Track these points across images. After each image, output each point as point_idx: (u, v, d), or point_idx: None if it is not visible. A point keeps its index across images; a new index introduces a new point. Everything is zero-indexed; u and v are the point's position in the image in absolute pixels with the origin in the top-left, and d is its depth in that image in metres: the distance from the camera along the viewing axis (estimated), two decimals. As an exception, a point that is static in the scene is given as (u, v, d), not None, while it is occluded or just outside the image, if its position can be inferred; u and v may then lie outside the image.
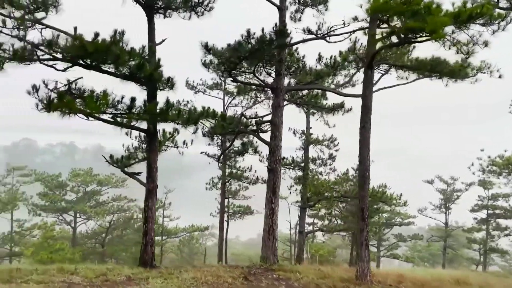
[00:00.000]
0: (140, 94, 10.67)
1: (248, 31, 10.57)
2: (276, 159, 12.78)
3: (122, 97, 9.01)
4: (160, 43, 10.99)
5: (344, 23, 12.01)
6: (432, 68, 10.41)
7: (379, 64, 13.01)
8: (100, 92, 9.01)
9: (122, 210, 41.52)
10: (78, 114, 8.60)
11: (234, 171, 25.04)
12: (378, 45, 10.03)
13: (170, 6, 10.79)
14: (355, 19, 10.42)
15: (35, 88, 7.94)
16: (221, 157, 18.44)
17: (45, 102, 7.83)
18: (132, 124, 10.11)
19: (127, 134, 12.36)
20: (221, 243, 26.00)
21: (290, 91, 15.59)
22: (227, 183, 26.23)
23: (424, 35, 7.43)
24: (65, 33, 9.20)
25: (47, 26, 9.38)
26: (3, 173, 39.63)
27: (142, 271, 9.48)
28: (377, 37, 10.16)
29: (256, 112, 17.65)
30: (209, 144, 27.69)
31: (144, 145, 12.59)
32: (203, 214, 40.45)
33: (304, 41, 12.89)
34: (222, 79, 26.39)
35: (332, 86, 17.51)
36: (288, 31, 10.92)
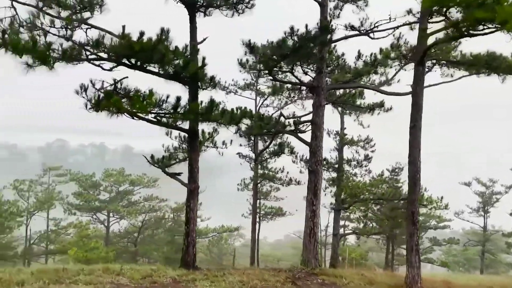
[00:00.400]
0: (178, 93, 10.56)
1: (292, 28, 10.28)
2: (317, 160, 12.41)
3: (167, 97, 8.90)
4: (202, 42, 10.85)
5: (390, 18, 11.53)
6: (488, 64, 9.78)
7: (427, 60, 12.40)
8: (144, 92, 8.94)
9: (153, 210, 42.03)
10: (124, 114, 8.52)
11: (267, 172, 24.76)
12: (430, 40, 9.51)
13: (212, 4, 10.63)
14: (409, 11, 9.93)
15: (84, 88, 7.92)
16: (258, 157, 18.14)
17: (94, 101, 7.78)
18: (175, 124, 9.98)
19: (167, 134, 12.30)
20: (253, 245, 25.76)
21: (332, 90, 15.16)
22: (259, 184, 26.00)
23: (492, 26, 6.92)
24: (110, 32, 9.18)
25: (92, 26, 9.38)
26: (40, 172, 40.76)
27: (186, 272, 9.33)
28: (429, 31, 9.64)
29: (294, 112, 17.28)
30: (240, 145, 27.66)
31: (184, 146, 12.51)
32: (232, 215, 40.36)
33: (346, 37, 12.49)
34: (254, 80, 26.25)
35: (368, 84, 17.01)
36: (333, 27, 10.54)
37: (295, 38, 10.34)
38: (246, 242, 66.46)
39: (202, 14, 11.31)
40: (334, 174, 25.54)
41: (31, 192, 35.75)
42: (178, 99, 8.91)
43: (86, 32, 9.23)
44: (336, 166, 24.61)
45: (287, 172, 25.79)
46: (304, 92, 18.77)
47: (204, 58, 9.37)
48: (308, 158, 20.68)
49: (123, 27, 7.97)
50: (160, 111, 9.28)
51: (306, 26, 10.37)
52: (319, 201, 12.36)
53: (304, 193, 38.56)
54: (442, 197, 22.75)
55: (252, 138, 25.59)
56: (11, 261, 31.94)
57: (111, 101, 7.49)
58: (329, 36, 10.66)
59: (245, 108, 11.40)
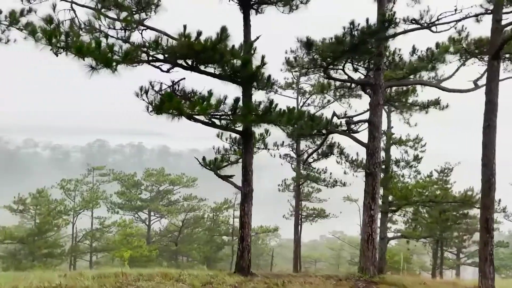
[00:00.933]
0: (229, 94, 10.25)
1: (352, 22, 9.71)
2: (375, 162, 11.78)
3: (225, 98, 8.59)
4: (255, 40, 10.48)
5: (455, 10, 10.71)
6: None
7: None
8: (200, 93, 8.70)
9: (192, 209, 42.39)
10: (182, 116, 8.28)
11: (311, 173, 24.18)
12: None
13: (267, 1, 10.25)
14: (490, 0, 9.12)
15: (144, 90, 7.75)
16: (307, 159, 17.60)
17: (155, 104, 7.59)
18: (231, 125, 9.69)
19: (218, 136, 12.06)
20: (296, 247, 25.26)
21: (389, 87, 14.43)
22: (301, 185, 25.46)
23: None
24: (165, 33, 8.99)
25: (148, 27, 9.22)
26: (85, 172, 41.92)
27: (244, 279, 9.01)
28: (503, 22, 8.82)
29: (346, 111, 16.68)
30: (282, 145, 27.21)
31: (235, 147, 12.23)
32: (271, 215, 39.89)
33: (405, 32, 11.74)
34: (296, 78, 25.71)
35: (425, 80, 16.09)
36: (397, 20, 9.89)
37: (356, 33, 9.76)
38: (281, 242, 65.92)
39: (254, 12, 10.97)
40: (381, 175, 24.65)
41: (77, 192, 36.83)
42: (237, 100, 8.59)
43: (141, 33, 9.08)
44: (383, 167, 23.69)
45: (330, 173, 25.13)
46: (354, 90, 18.07)
47: (263, 57, 9.00)
48: (354, 159, 20.11)
49: (185, 26, 7.72)
50: (217, 113, 9.00)
51: (367, 20, 9.78)
52: (377, 205, 11.73)
53: (344, 194, 37.41)
54: (500, 200, 21.39)
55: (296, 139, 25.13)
56: (59, 258, 33.09)
57: (172, 103, 7.24)
58: (392, 30, 10.01)
59: (293, 107, 10.96)
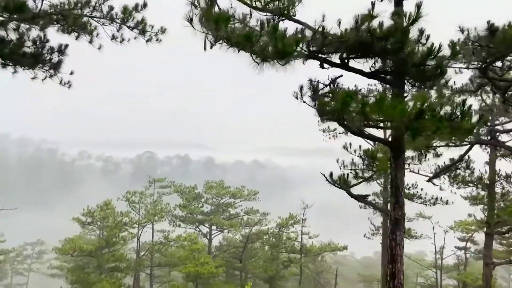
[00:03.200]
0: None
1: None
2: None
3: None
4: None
5: None
6: None
7: None
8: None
9: (254, 224, 40.84)
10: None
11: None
12: None
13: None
14: None
15: (312, 88, 6.14)
16: (438, 175, 15.31)
17: (327, 108, 5.95)
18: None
19: (345, 147, 10.28)
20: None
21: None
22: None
23: None
24: (307, 25, 7.39)
25: (291, 19, 7.63)
26: (146, 184, 41.52)
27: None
28: None
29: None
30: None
31: (365, 161, 10.38)
32: (338, 231, 37.15)
33: None
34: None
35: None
36: None
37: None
38: (336, 258, 62.58)
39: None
40: (480, 192, 21.82)
41: (142, 204, 36.35)
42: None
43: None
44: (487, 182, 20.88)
45: (422, 189, 22.56)
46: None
47: (440, 46, 7.11)
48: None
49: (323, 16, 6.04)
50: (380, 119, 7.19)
51: None
52: None
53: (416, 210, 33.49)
54: None
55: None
56: (125, 272, 32.46)
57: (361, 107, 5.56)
58: None
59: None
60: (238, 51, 5.65)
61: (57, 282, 54.50)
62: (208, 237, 40.79)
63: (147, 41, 9.81)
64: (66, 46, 9.08)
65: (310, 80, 6.45)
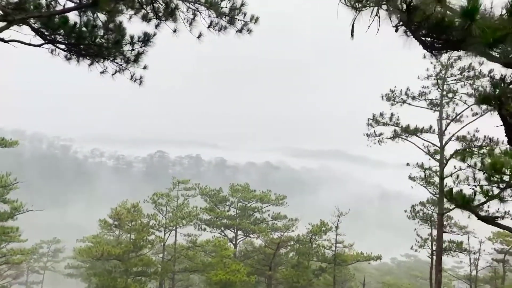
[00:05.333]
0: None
1: None
2: None
3: None
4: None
5: None
6: None
7: None
8: None
9: (280, 229, 39.50)
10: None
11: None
12: None
13: None
14: None
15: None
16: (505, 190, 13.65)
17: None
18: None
19: (462, 159, 8.83)
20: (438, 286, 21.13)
21: None
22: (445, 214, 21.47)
23: None
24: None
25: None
26: (170, 186, 40.33)
27: None
28: None
29: None
30: (420, 166, 23.46)
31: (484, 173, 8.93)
32: (353, 237, 35.46)
33: None
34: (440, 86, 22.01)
35: None
36: None
37: None
38: (357, 266, 60.82)
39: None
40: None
41: (168, 207, 35.15)
42: None
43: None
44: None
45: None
46: None
47: None
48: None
49: None
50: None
51: None
52: None
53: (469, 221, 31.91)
54: None
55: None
56: (153, 278, 31.30)
57: None
58: None
59: None
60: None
61: (72, 282, 53.61)
62: (234, 242, 39.54)
63: (237, 31, 8.51)
64: (154, 34, 7.79)
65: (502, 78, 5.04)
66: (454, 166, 20.23)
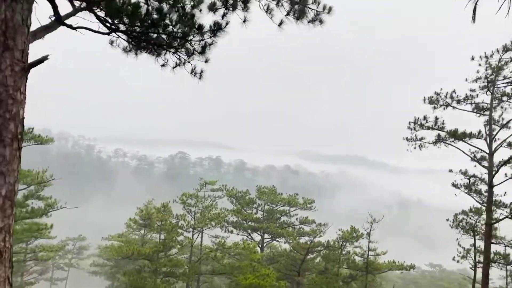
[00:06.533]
0: None
1: None
2: None
3: None
4: None
5: None
6: None
7: None
8: None
9: (304, 234, 38.82)
10: None
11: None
12: None
13: None
14: None
15: None
16: None
17: None
18: None
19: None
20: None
21: None
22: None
23: None
24: None
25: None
26: (197, 187, 40.13)
27: None
28: None
29: None
30: (463, 173, 22.46)
31: None
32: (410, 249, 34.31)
33: None
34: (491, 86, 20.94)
35: None
36: None
37: None
38: (381, 274, 59.35)
39: None
40: None
41: (197, 208, 34.90)
42: None
43: None
44: None
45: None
46: None
47: None
48: None
49: None
50: None
51: None
52: None
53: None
54: None
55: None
56: (182, 279, 31.03)
57: None
58: None
59: None
60: None
61: (96, 280, 54.04)
62: (260, 246, 38.99)
63: (309, 22, 7.98)
64: (227, 23, 7.34)
65: None
66: (506, 174, 19.25)
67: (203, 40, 7.70)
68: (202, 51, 8.02)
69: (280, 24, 7.11)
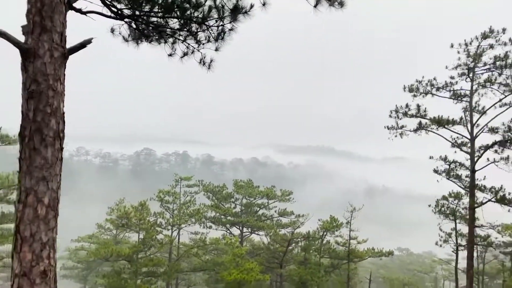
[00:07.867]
0: None
1: None
2: None
3: None
4: None
5: None
6: None
7: None
8: None
9: (283, 226, 38.81)
10: None
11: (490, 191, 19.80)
12: None
13: None
14: None
15: None
16: None
17: None
18: None
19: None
20: (470, 284, 20.68)
21: None
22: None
23: None
24: None
25: None
26: (167, 183, 39.09)
27: None
28: None
29: None
30: (444, 159, 22.97)
31: None
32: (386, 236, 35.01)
33: None
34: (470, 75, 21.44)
35: None
36: None
37: None
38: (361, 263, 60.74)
39: None
40: None
41: (175, 204, 33.96)
42: None
43: None
44: None
45: None
46: None
47: None
48: None
49: None
50: None
51: None
52: None
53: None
54: None
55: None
56: (163, 278, 30.17)
57: None
58: None
59: None
60: None
61: (65, 283, 51.77)
62: (240, 240, 38.61)
63: (330, 4, 7.55)
64: (251, 6, 6.74)
65: None
66: (488, 159, 19.81)
67: (222, 25, 7.11)
68: (217, 38, 7.44)
69: (316, 5, 6.57)
